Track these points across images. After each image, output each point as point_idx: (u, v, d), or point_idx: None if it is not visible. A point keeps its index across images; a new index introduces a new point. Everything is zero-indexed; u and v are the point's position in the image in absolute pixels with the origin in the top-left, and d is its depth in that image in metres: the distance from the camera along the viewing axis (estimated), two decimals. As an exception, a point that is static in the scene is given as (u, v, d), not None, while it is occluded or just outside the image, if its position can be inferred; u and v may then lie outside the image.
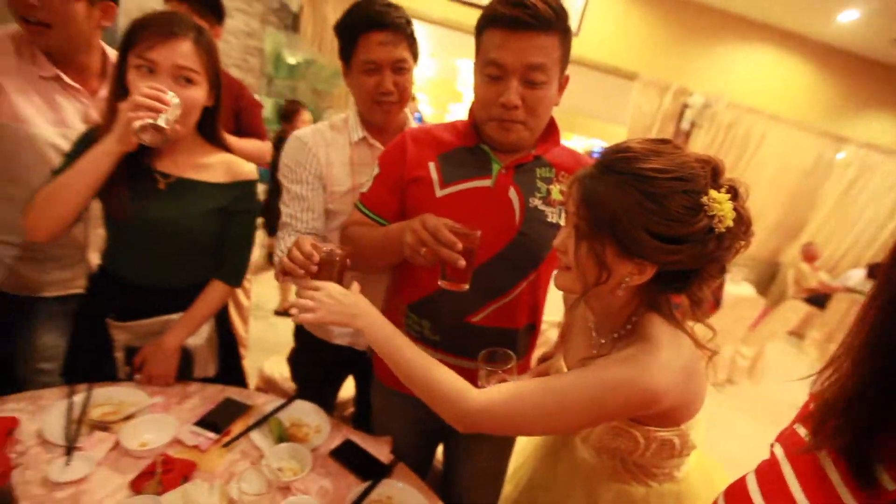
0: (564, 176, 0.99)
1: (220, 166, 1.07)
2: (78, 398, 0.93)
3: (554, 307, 1.14)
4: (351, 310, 0.78)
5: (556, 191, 0.98)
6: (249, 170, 1.12)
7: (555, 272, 0.82)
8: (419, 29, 1.17)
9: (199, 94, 0.97)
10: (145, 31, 0.89)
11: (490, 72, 0.88)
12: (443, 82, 7.92)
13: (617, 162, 0.66)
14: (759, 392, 3.60)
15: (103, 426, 0.90)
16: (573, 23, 0.91)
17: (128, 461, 0.85)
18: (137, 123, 0.85)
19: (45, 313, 1.22)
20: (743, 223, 0.66)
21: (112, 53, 1.15)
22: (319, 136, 1.19)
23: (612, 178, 0.66)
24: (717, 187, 0.65)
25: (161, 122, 0.86)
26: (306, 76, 4.29)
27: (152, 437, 0.90)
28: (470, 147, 0.98)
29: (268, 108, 4.35)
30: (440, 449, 1.28)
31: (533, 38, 0.83)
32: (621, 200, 0.64)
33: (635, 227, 0.63)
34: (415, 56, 1.16)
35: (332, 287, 0.80)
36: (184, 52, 0.91)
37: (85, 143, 0.95)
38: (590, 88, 5.16)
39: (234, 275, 1.13)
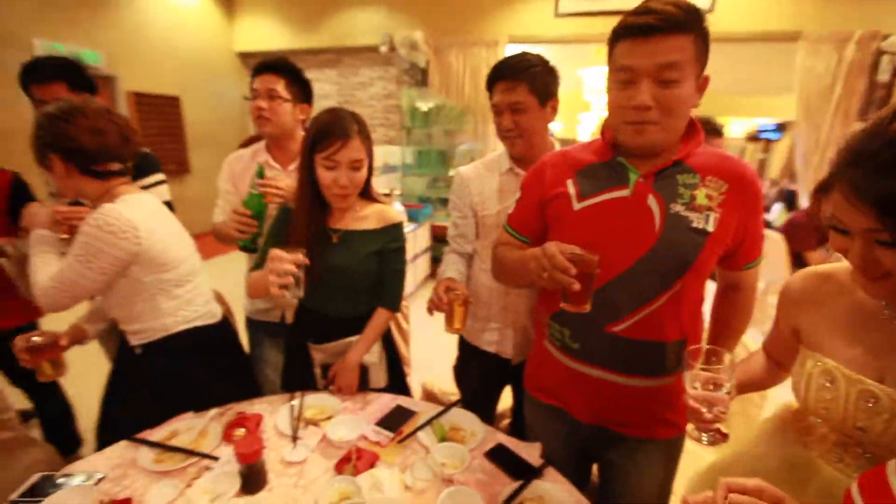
0: (712, 180, 0.94)
1: (373, 216, 1.31)
2: (296, 402, 1.24)
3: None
4: None
5: (701, 195, 0.93)
6: (396, 214, 1.34)
7: (863, 284, 0.69)
8: (538, 49, 1.29)
9: (364, 173, 1.23)
10: (328, 137, 1.15)
11: (621, 77, 0.89)
12: (570, 95, 7.82)
13: None
14: None
15: (314, 423, 1.18)
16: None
17: (331, 450, 1.09)
18: (276, 291, 1.04)
19: (267, 333, 1.68)
20: None
21: None
22: (474, 171, 1.45)
23: None
24: None
25: (292, 280, 1.05)
26: (438, 120, 4.75)
27: (346, 433, 1.14)
28: (606, 161, 1.00)
29: (409, 156, 4.92)
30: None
31: (663, 40, 0.83)
32: None
33: None
34: (543, 95, 1.26)
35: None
36: (355, 147, 1.17)
37: (279, 220, 1.29)
38: (741, 64, 4.53)
39: (393, 302, 1.36)
